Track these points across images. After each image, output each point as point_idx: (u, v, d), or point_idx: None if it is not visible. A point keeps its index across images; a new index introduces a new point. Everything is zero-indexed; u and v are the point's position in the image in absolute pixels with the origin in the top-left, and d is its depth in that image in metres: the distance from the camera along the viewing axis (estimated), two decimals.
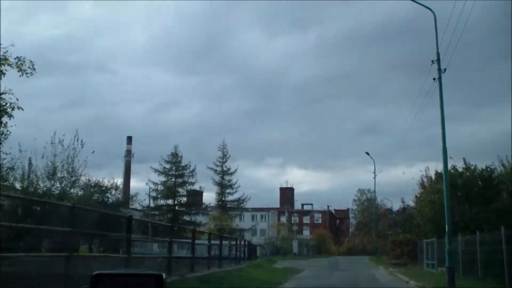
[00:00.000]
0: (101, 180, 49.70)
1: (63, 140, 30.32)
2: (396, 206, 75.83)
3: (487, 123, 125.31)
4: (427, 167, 47.43)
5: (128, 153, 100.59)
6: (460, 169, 35.34)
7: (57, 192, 35.38)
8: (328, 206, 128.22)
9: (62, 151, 30.29)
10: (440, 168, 39.02)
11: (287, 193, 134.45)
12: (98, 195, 50.40)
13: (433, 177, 45.13)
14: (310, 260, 54.61)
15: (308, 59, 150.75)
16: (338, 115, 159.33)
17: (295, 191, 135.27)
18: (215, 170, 79.85)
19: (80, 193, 49.15)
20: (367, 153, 69.98)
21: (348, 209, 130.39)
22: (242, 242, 45.11)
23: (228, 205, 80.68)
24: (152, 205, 73.72)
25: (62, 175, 37.01)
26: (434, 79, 22.27)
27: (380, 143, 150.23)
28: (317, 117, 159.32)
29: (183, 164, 74.22)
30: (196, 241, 31.03)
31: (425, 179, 47.01)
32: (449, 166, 35.15)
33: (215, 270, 25.56)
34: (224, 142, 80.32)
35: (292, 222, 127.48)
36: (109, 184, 49.98)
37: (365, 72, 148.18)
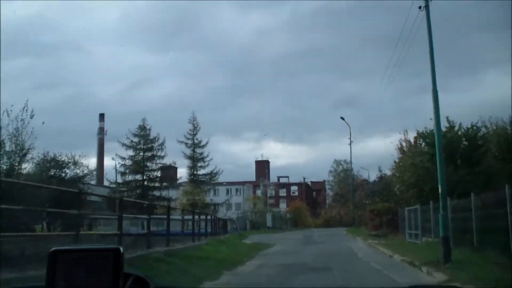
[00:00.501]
0: (58, 155, 45.75)
1: (11, 111, 28.41)
2: (373, 176, 73.20)
3: (467, 92, 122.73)
4: (406, 131, 43.93)
5: (101, 131, 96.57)
6: (444, 129, 31.54)
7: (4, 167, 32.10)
8: (304, 178, 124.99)
9: (10, 123, 28.71)
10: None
11: (262, 166, 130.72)
12: (55, 170, 46.18)
13: (413, 141, 41.92)
14: (284, 234, 50.87)
15: (283, 34, 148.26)
16: (314, 89, 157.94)
17: (272, 165, 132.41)
18: (186, 144, 75.78)
19: (35, 168, 45.14)
20: (342, 118, 66.40)
21: (324, 181, 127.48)
22: (209, 217, 41.64)
23: (200, 179, 76.68)
24: (120, 180, 69.37)
25: (10, 149, 33.76)
26: (420, 7, 18.23)
27: (356, 116, 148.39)
28: (293, 92, 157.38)
29: (151, 137, 69.88)
30: (156, 216, 29.76)
31: (404, 144, 43.66)
32: (430, 127, 31.96)
33: (171, 247, 22.31)
34: (194, 114, 76.05)
35: (268, 195, 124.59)
36: (67, 158, 46.06)
37: (339, 46, 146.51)
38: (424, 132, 32.67)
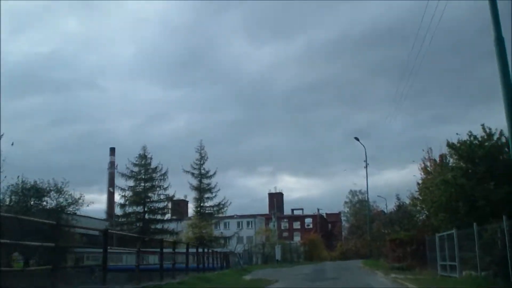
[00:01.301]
0: (38, 182, 39.89)
1: None
2: (391, 205, 66.82)
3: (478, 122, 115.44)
4: (430, 149, 37.68)
5: (112, 165, 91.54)
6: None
7: None
8: (318, 210, 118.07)
9: None
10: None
11: (276, 199, 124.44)
12: (34, 199, 40.22)
13: (438, 160, 35.80)
14: (294, 268, 44.03)
15: (294, 67, 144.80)
16: (326, 121, 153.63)
17: (287, 199, 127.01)
18: (193, 174, 69.51)
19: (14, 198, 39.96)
20: (357, 139, 59.55)
21: (340, 213, 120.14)
22: (206, 250, 35.69)
23: (207, 211, 70.27)
24: (120, 213, 63.23)
25: None
26: None
27: (370, 148, 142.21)
28: (306, 124, 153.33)
29: (152, 166, 63.92)
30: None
31: (428, 163, 37.36)
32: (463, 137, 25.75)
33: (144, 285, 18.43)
34: (202, 143, 69.86)
35: (282, 228, 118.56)
36: (50, 186, 40.22)
37: (350, 78, 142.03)
38: (458, 143, 26.18)
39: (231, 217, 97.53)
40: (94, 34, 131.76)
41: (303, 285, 23.70)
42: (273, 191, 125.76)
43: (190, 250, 31.97)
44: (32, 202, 39.63)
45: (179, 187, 68.48)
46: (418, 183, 36.45)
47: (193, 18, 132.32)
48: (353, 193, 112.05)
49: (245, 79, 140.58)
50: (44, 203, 40.19)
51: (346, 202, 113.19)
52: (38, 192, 39.51)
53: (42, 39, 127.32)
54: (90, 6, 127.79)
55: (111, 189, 61.03)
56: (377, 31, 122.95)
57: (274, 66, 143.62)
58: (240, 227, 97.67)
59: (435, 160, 36.54)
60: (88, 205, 43.63)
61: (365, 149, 57.92)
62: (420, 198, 34.84)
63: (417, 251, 32.29)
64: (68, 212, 41.17)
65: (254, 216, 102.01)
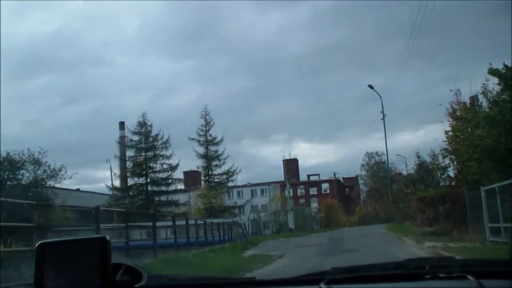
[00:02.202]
0: (12, 154, 34.21)
1: None
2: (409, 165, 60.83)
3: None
4: (458, 91, 31.10)
5: (122, 139, 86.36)
6: None
7: None
8: (334, 174, 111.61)
9: None
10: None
11: (291, 165, 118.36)
12: (8, 173, 34.52)
13: (469, 103, 29.65)
14: (308, 237, 37.84)
15: (303, 32, 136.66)
16: (337, 85, 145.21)
17: (303, 166, 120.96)
18: (198, 141, 63.58)
19: None
20: (370, 87, 52.37)
21: (357, 176, 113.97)
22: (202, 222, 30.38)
23: (216, 180, 64.55)
24: (119, 185, 57.50)
25: None
26: None
27: (385, 110, 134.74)
28: (317, 89, 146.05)
29: (153, 134, 58.01)
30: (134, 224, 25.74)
31: (457, 107, 30.85)
32: None
33: None
34: (207, 108, 63.65)
35: (299, 194, 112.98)
36: (25, 157, 34.54)
37: (360, 40, 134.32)
38: (503, 68, 19.66)
39: (244, 186, 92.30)
40: (98, 9, 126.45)
41: (313, 261, 17.57)
42: (287, 157, 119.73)
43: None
44: (5, 176, 34.03)
45: (191, 160, 65.71)
46: (446, 132, 29.99)
47: None
48: (369, 155, 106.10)
49: (254, 47, 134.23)
50: (20, 176, 34.60)
51: (363, 165, 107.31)
52: (11, 164, 33.85)
53: (47, 17, 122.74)
54: None
55: (107, 161, 54.96)
56: None
57: (282, 32, 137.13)
58: (254, 196, 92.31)
59: (465, 103, 30.12)
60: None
61: (381, 98, 50.57)
62: (449, 148, 28.70)
63: (452, 210, 25.99)
64: (47, 185, 35.49)
65: (268, 183, 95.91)
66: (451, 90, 31.02)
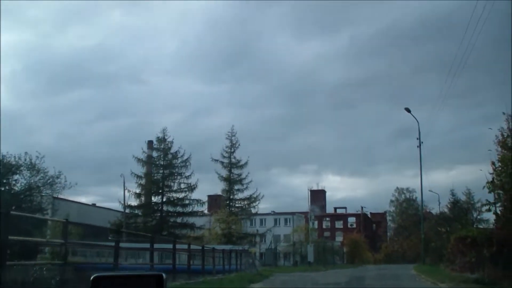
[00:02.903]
0: (6, 156, 30.62)
1: None
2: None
3: None
4: (510, 116, 26.43)
5: (149, 158, 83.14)
6: None
7: None
8: (362, 208, 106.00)
9: None
10: None
11: (318, 196, 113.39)
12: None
13: None
14: (326, 273, 33.04)
15: (340, 62, 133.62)
16: (372, 119, 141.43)
17: (331, 198, 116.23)
18: (222, 163, 59.52)
19: None
20: (408, 110, 46.79)
21: (385, 212, 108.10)
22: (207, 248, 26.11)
23: (238, 205, 60.26)
24: (134, 203, 53.56)
25: None
26: None
27: (415, 147, 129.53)
28: (351, 122, 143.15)
29: (172, 151, 54.19)
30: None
31: (507, 133, 26.21)
32: None
33: None
34: (233, 129, 59.74)
35: (324, 227, 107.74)
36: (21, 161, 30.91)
37: (397, 73, 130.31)
38: None
39: (268, 214, 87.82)
40: (138, 27, 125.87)
41: None
42: (314, 187, 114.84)
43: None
44: None
45: (217, 184, 63.11)
46: (493, 163, 25.34)
47: (237, 13, 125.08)
48: (400, 190, 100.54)
49: (289, 75, 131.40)
50: (14, 182, 30.88)
51: (392, 201, 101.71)
52: (5, 167, 30.17)
53: (88, 32, 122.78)
54: None
55: (121, 175, 50.92)
56: (424, 25, 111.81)
57: (318, 61, 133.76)
58: (277, 225, 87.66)
59: None
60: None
61: (418, 123, 45.16)
62: (497, 182, 24.10)
63: (501, 254, 21.19)
64: (43, 193, 31.69)
65: (293, 213, 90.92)
66: (503, 113, 26.43)
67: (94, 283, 2.11)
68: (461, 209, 51.02)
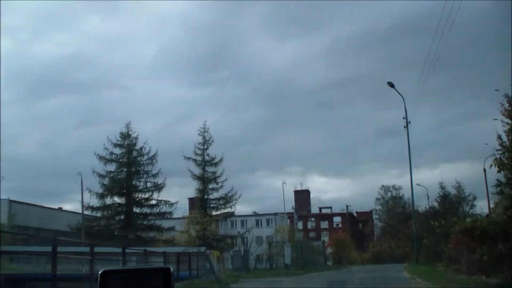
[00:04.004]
0: None
1: None
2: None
3: None
4: None
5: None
6: None
7: None
8: (347, 206, 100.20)
9: None
10: None
11: (302, 196, 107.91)
12: None
13: None
14: (301, 278, 27.07)
15: (321, 63, 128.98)
16: (355, 119, 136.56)
17: (316, 199, 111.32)
18: (195, 160, 53.48)
19: None
20: (391, 85, 39.81)
21: (371, 211, 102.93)
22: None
23: (212, 205, 54.25)
24: (98, 204, 47.10)
25: None
26: None
27: (398, 147, 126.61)
28: (334, 122, 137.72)
29: (137, 147, 48.13)
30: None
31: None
32: None
33: None
34: (206, 125, 53.93)
35: (309, 227, 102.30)
36: None
37: (378, 73, 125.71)
38: None
39: (249, 215, 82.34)
40: (116, 33, 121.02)
41: None
42: (298, 188, 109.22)
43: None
44: None
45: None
46: (499, 137, 19.79)
47: (215, 16, 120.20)
48: (385, 188, 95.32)
49: (271, 77, 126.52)
50: None
51: (378, 199, 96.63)
52: None
53: (66, 39, 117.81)
54: (112, 5, 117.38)
55: (79, 174, 44.31)
56: (404, 25, 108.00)
57: (299, 62, 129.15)
58: (259, 226, 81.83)
59: None
60: None
61: (404, 100, 38.33)
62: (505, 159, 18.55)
63: None
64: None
65: (275, 214, 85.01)
66: (497, 90, 20.74)
67: (103, 278, 2.08)
68: (452, 202, 45.82)
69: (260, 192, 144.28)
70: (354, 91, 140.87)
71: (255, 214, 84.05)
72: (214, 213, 53.54)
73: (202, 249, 28.37)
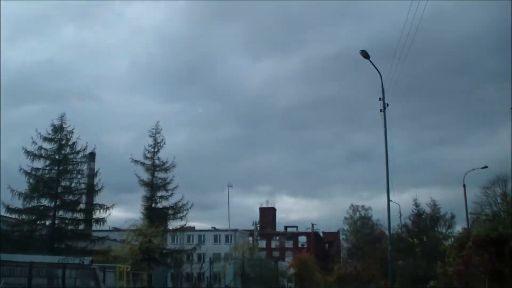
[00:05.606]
0: None
1: None
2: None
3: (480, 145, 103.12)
4: None
5: (91, 171, 68.62)
6: None
7: None
8: (312, 225, 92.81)
9: None
10: None
11: (267, 214, 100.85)
12: None
13: None
14: None
15: (294, 83, 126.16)
16: (326, 140, 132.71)
17: (285, 219, 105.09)
18: (143, 164, 45.69)
19: None
20: (365, 56, 31.32)
21: (338, 231, 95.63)
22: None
23: (161, 214, 46.27)
24: (21, 206, 38.54)
25: None
26: None
27: (370, 170, 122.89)
28: (306, 143, 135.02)
29: (70, 142, 40.04)
30: None
31: None
32: None
33: None
34: (158, 125, 46.46)
35: (273, 246, 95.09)
36: None
37: (350, 96, 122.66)
38: None
39: (207, 230, 75.24)
40: (90, 43, 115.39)
41: None
42: (264, 205, 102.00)
43: None
44: None
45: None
46: None
47: (190, 32, 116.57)
48: (354, 208, 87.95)
49: (244, 95, 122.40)
50: None
51: (346, 218, 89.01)
52: None
53: (40, 47, 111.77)
54: (88, 15, 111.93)
55: None
56: (377, 49, 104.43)
57: (273, 82, 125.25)
58: (218, 242, 74.11)
59: None
60: None
61: (380, 76, 30.02)
62: None
63: None
64: None
65: (235, 230, 77.34)
66: None
67: None
68: (431, 219, 38.83)
69: (229, 210, 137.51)
70: (327, 112, 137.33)
71: (213, 230, 76.47)
72: (163, 224, 45.81)
73: (87, 260, 20.61)
